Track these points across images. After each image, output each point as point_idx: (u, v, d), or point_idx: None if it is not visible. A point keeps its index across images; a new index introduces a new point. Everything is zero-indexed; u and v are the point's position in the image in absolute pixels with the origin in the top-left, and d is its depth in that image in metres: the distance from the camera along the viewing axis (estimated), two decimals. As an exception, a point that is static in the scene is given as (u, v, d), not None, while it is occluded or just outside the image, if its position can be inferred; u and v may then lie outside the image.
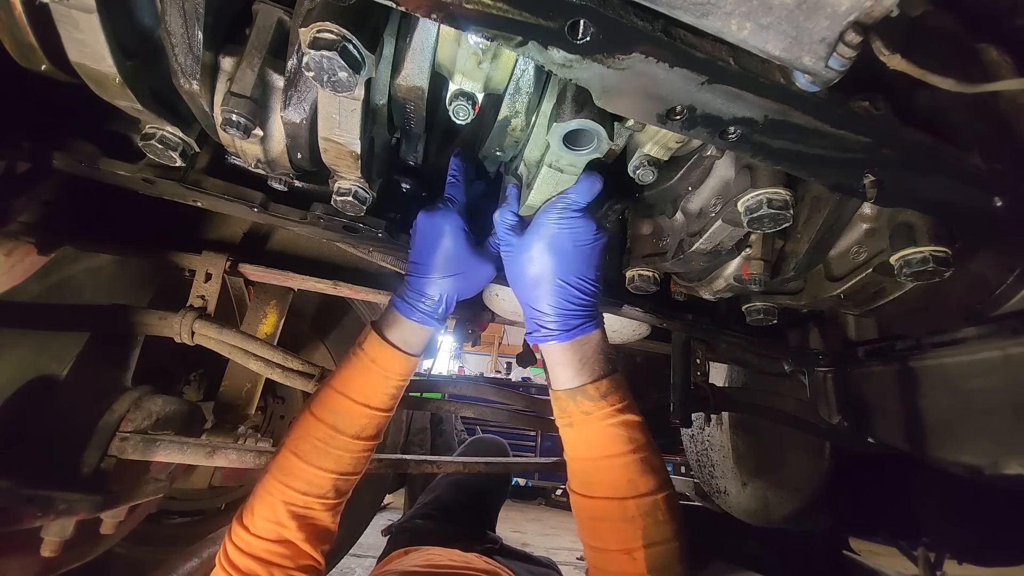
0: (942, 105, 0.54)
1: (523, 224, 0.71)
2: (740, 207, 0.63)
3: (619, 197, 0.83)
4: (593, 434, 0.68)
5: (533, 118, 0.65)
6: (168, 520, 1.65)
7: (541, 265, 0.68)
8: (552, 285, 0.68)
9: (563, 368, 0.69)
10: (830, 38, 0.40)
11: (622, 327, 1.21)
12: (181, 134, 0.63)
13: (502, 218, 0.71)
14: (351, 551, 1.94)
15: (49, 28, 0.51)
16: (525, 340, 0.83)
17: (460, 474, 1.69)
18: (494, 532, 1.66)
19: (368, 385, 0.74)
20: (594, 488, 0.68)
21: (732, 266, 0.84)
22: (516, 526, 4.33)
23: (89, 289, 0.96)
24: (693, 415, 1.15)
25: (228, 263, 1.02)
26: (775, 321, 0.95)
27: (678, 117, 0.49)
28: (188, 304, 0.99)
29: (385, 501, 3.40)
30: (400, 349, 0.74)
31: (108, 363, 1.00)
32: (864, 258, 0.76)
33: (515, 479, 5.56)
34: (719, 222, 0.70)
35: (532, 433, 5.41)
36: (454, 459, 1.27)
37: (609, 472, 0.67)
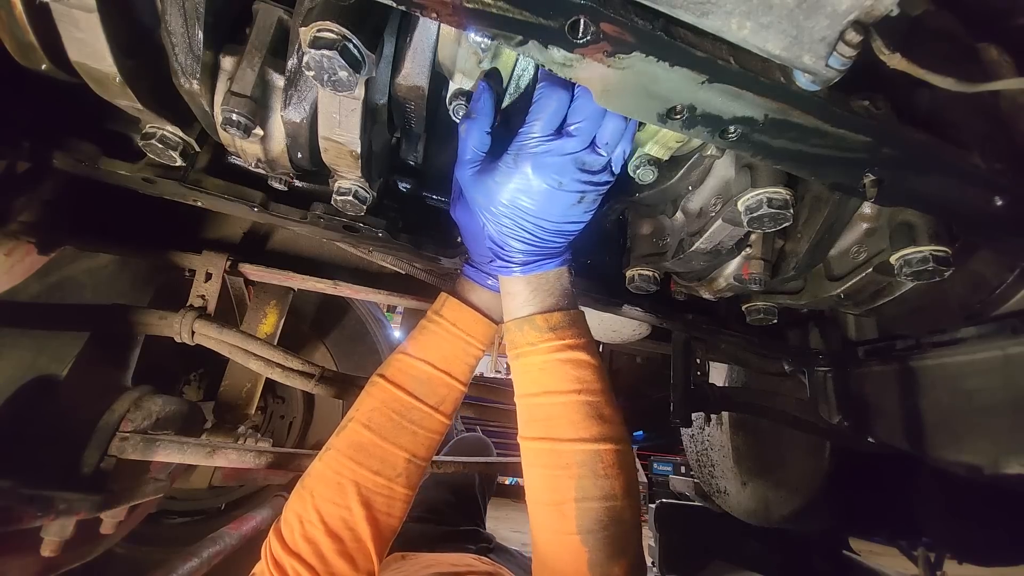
0: (942, 105, 0.54)
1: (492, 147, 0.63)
2: (740, 206, 0.63)
3: (619, 196, 0.83)
4: (537, 368, 0.63)
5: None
6: (168, 520, 1.65)
7: (526, 196, 0.58)
8: (531, 222, 0.60)
9: (514, 297, 0.66)
10: (830, 37, 0.40)
11: (622, 327, 1.21)
12: (181, 134, 0.63)
13: (472, 135, 0.60)
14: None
15: (49, 27, 0.51)
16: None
17: (444, 473, 1.69)
18: (484, 530, 1.66)
19: (450, 352, 0.70)
20: (532, 428, 0.63)
21: (732, 266, 0.84)
22: (516, 526, 4.33)
23: (89, 289, 0.96)
24: (693, 415, 1.15)
25: (228, 263, 1.02)
26: (775, 321, 0.95)
27: (678, 116, 0.49)
28: (188, 304, 0.99)
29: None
30: (483, 313, 0.71)
31: (108, 363, 1.00)
32: (864, 258, 0.76)
33: (514, 479, 5.56)
34: (719, 221, 0.70)
35: (532, 433, 5.40)
36: (454, 459, 1.27)
37: (548, 410, 0.62)
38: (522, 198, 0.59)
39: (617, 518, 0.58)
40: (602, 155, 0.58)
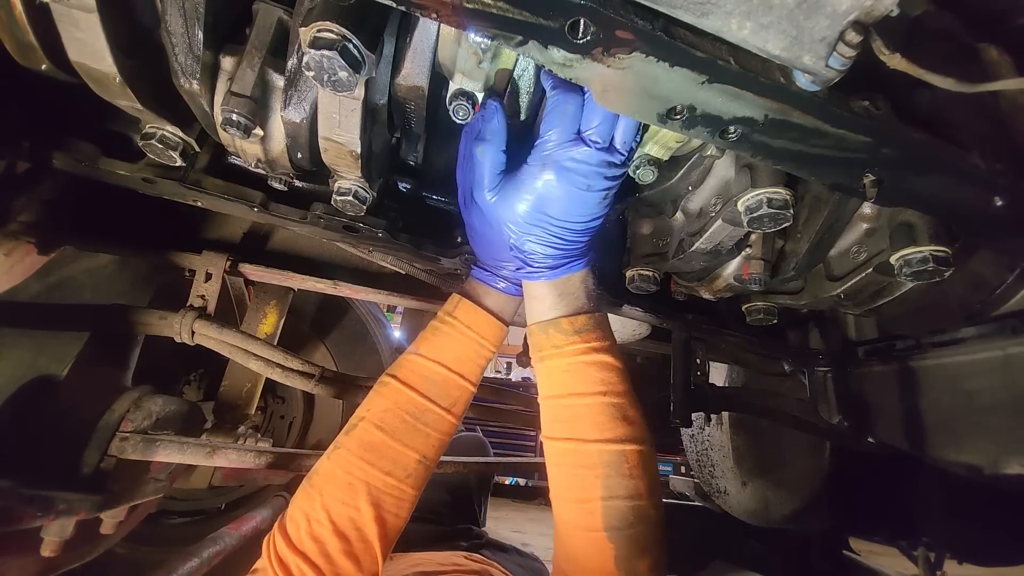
0: (942, 105, 0.54)
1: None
2: (740, 207, 0.63)
3: (619, 197, 0.83)
4: (562, 370, 0.64)
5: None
6: (168, 520, 1.65)
7: (554, 203, 0.60)
8: (559, 226, 0.61)
9: (539, 301, 0.67)
10: (830, 37, 0.40)
11: (622, 327, 1.21)
12: (181, 134, 0.63)
13: (488, 157, 0.62)
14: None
15: (49, 27, 0.51)
16: (526, 339, 0.81)
17: (440, 472, 1.69)
18: (479, 527, 1.66)
19: (463, 354, 0.70)
20: (557, 429, 0.64)
21: (732, 266, 0.84)
22: (516, 526, 4.33)
23: (89, 289, 0.96)
24: (693, 415, 1.15)
25: (228, 263, 1.02)
26: (775, 321, 0.95)
27: (678, 116, 0.49)
28: (188, 304, 0.99)
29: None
30: (495, 315, 0.71)
31: (108, 363, 1.00)
32: (864, 258, 0.76)
33: (515, 479, 5.56)
34: (719, 222, 0.70)
35: (532, 433, 5.42)
36: (456, 459, 1.27)
37: (573, 411, 0.63)
38: (549, 206, 0.60)
39: (642, 516, 0.59)
40: (622, 154, 0.60)
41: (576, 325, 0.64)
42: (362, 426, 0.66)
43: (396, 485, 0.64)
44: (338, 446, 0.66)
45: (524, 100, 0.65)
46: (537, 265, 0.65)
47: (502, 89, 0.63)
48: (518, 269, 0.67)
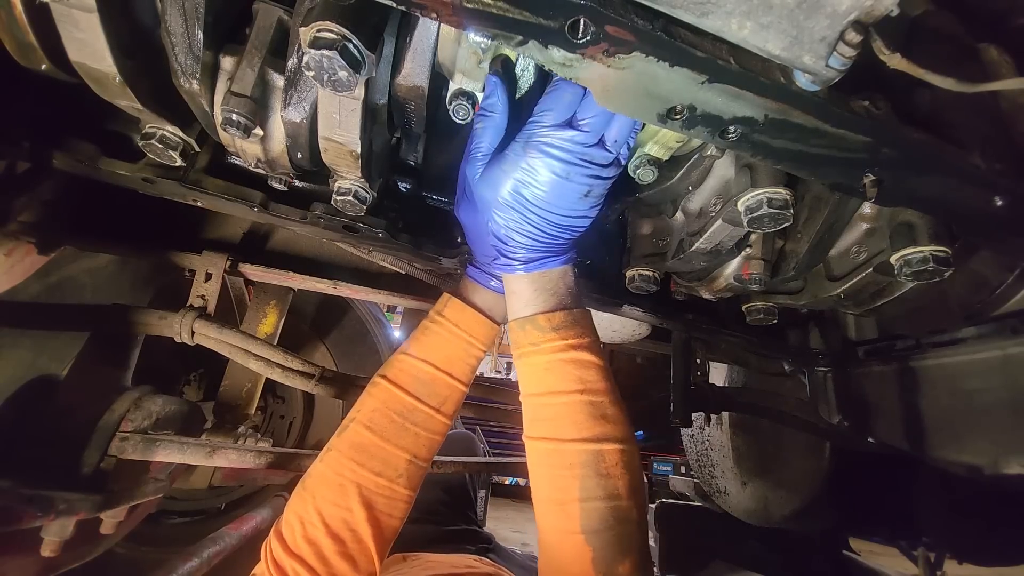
0: (942, 105, 0.54)
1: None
2: (740, 207, 0.63)
3: (619, 197, 0.83)
4: (540, 368, 0.63)
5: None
6: (168, 520, 1.65)
7: (533, 187, 0.58)
8: (537, 214, 0.60)
9: (517, 296, 0.66)
10: (830, 37, 0.40)
11: (622, 327, 1.21)
12: (181, 134, 0.63)
13: (488, 131, 0.61)
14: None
15: (49, 27, 0.51)
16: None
17: (435, 472, 1.69)
18: (480, 526, 1.66)
19: (452, 352, 0.70)
20: (537, 428, 0.63)
21: (732, 266, 0.83)
22: (516, 526, 4.33)
23: (89, 289, 0.97)
24: (693, 415, 1.15)
25: (228, 263, 1.02)
26: (775, 321, 0.95)
27: (678, 116, 0.49)
28: (188, 304, 0.99)
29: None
30: (485, 314, 0.71)
31: (108, 363, 1.00)
32: (864, 258, 0.76)
33: (514, 479, 5.57)
34: (719, 222, 0.70)
35: (532, 433, 5.40)
36: (454, 459, 1.27)
37: (551, 410, 0.62)
38: (529, 189, 0.59)
39: (622, 517, 0.58)
40: (610, 152, 0.59)
41: (554, 322, 0.63)
42: (352, 427, 0.67)
43: (388, 485, 0.65)
44: (330, 448, 0.67)
45: (526, 96, 0.65)
46: (511, 256, 0.64)
47: (513, 82, 0.62)
48: (495, 260, 0.66)
